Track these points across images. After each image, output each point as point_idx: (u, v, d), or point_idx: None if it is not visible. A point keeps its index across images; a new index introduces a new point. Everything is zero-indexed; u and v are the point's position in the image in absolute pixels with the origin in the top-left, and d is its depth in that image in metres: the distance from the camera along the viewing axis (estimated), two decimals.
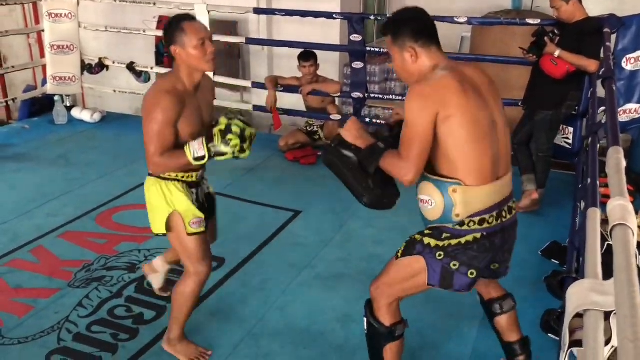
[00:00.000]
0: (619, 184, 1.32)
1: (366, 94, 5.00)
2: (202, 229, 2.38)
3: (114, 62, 5.81)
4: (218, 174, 4.58)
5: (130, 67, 5.70)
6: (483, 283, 2.29)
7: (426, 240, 1.98)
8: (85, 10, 5.81)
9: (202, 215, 2.37)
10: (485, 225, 1.92)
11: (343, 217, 3.91)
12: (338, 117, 4.96)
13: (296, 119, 5.63)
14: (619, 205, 1.15)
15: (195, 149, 2.19)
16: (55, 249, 3.45)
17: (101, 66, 5.78)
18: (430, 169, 1.92)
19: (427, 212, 1.96)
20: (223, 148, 2.20)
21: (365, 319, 2.18)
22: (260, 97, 5.38)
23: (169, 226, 2.36)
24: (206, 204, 2.50)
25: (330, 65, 6.14)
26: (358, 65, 4.88)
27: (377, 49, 5.06)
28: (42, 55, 6.07)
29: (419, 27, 1.93)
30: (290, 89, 5.00)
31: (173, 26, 2.24)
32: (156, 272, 2.91)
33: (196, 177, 2.41)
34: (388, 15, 5.38)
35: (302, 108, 5.21)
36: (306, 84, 4.91)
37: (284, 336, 2.75)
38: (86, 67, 5.80)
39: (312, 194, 4.25)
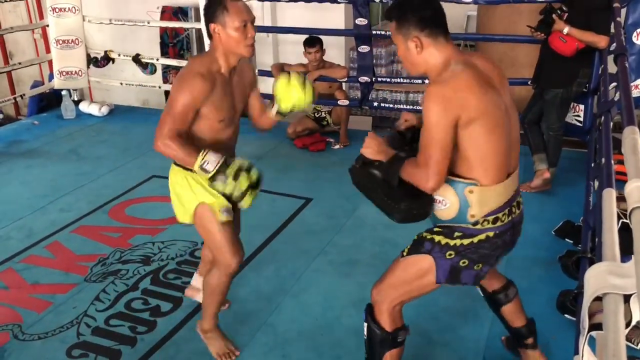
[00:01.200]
0: (636, 165, 1.31)
1: (373, 78, 4.97)
2: (231, 218, 2.31)
3: (119, 55, 5.81)
4: None
5: (136, 59, 5.70)
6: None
7: (436, 238, 1.92)
8: (88, 4, 5.80)
9: (229, 205, 2.28)
10: (499, 223, 1.87)
11: (354, 201, 3.91)
12: (346, 102, 4.94)
13: None
14: (637, 187, 1.14)
15: (208, 161, 2.11)
16: (70, 244, 3.48)
17: (107, 59, 5.79)
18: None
19: (440, 212, 1.88)
20: (224, 183, 2.12)
21: (365, 324, 2.09)
22: (267, 85, 5.36)
23: (195, 217, 2.30)
24: None
25: (336, 50, 6.10)
26: (364, 49, 4.85)
27: (382, 32, 5.02)
28: (48, 50, 6.07)
29: (426, 15, 1.80)
30: None
31: (215, 3, 2.12)
32: (200, 291, 2.72)
33: None
34: None
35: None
36: (312, 70, 4.89)
37: (301, 323, 2.77)
38: (92, 61, 5.81)
39: (323, 180, 4.26)
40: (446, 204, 1.84)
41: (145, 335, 2.70)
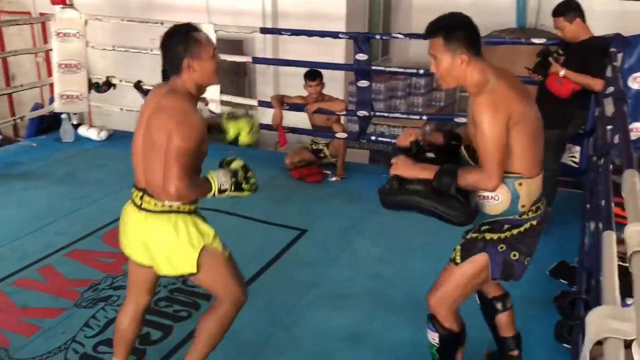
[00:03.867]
0: (635, 208, 1.31)
1: (371, 112, 5.01)
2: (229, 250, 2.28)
3: (120, 81, 5.86)
4: None
5: (137, 85, 5.73)
6: None
7: (487, 235, 2.12)
8: (92, 30, 5.87)
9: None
10: (539, 212, 2.12)
11: (349, 235, 3.91)
12: (344, 135, 4.97)
13: (302, 136, 5.65)
14: (636, 231, 1.14)
15: (223, 182, 2.13)
16: (62, 268, 3.45)
17: (108, 85, 5.82)
18: None
19: (490, 207, 2.08)
20: (244, 186, 2.19)
21: (434, 334, 2.26)
22: (266, 116, 5.42)
23: (200, 264, 2.15)
24: None
25: (335, 84, 6.17)
26: (363, 84, 4.90)
27: (382, 68, 5.09)
28: (50, 73, 6.12)
29: (473, 34, 2.03)
30: (296, 107, 5.02)
31: (184, 37, 2.07)
32: None
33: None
34: (394, 34, 5.42)
35: (308, 126, 5.22)
36: (312, 103, 4.93)
37: (291, 357, 2.73)
38: (93, 86, 5.84)
39: (318, 212, 4.25)
40: (498, 198, 2.05)
41: None
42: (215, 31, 5.17)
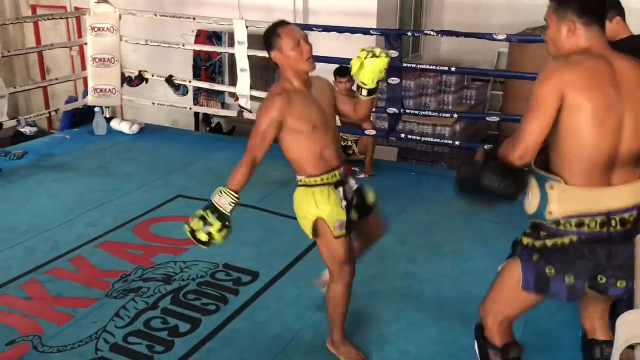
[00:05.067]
0: None
1: (402, 110, 4.98)
2: (344, 232, 2.44)
3: (152, 75, 5.93)
4: (252, 187, 4.61)
5: (169, 80, 5.81)
6: (589, 314, 2.14)
7: (525, 240, 1.94)
8: (125, 24, 5.95)
9: (344, 218, 2.43)
10: (584, 229, 1.80)
11: None
12: (372, 132, 4.95)
13: None
14: None
15: (220, 201, 2.35)
16: (93, 259, 3.51)
17: (141, 79, 5.90)
18: (541, 163, 1.86)
19: (525, 204, 1.90)
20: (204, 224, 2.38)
21: (475, 343, 2.09)
22: None
23: (315, 232, 2.45)
24: (355, 200, 2.52)
25: None
26: (394, 80, 4.87)
27: (413, 65, 5.05)
28: (84, 67, 6.23)
29: (588, 2, 1.83)
30: None
31: (269, 34, 2.35)
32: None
33: (339, 175, 2.46)
34: (426, 31, 5.37)
35: (337, 123, 5.21)
36: None
37: (318, 354, 2.73)
38: (126, 80, 5.93)
39: None
40: (529, 196, 1.87)
41: (162, 355, 2.70)
42: (247, 27, 5.19)
